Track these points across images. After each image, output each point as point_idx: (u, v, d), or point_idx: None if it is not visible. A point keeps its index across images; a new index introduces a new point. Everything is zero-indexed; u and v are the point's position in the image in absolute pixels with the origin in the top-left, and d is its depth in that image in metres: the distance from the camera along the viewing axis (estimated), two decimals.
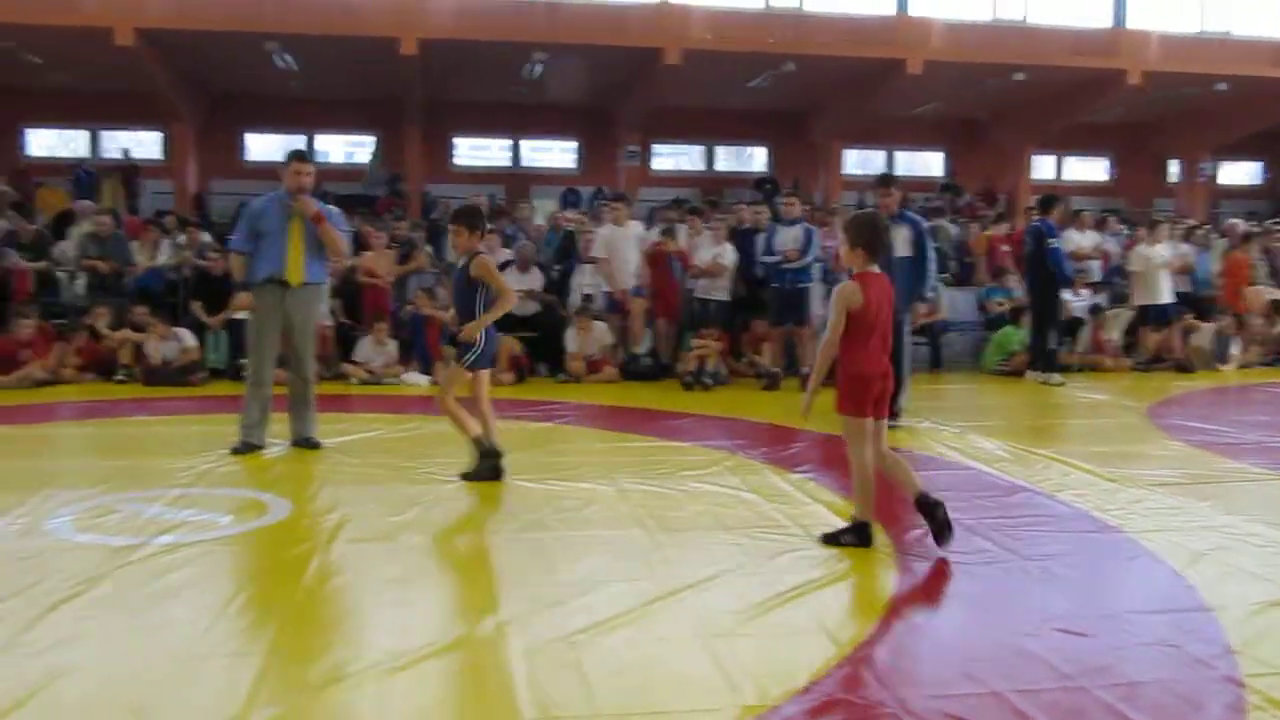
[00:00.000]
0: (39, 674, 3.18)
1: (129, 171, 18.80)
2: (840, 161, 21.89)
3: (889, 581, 4.20)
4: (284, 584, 4.08)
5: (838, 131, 21.57)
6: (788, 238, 9.46)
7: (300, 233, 6.47)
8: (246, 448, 6.48)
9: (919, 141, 23.41)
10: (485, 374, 5.84)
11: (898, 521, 5.01)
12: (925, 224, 8.47)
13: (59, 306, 11.17)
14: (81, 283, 11.44)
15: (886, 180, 8.14)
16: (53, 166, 20.43)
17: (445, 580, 4.18)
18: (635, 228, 9.85)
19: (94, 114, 21.14)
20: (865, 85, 19.40)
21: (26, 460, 6.38)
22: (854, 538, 4.66)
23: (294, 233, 6.46)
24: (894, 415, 8.02)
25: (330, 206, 6.91)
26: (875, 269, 4.66)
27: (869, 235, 4.66)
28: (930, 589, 4.18)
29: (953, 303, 11.71)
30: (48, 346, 9.77)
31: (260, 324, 6.53)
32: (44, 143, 22.11)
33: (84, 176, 19.08)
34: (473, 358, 5.71)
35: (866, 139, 22.48)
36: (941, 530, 4.56)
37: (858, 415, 4.69)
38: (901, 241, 7.79)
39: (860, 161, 23.98)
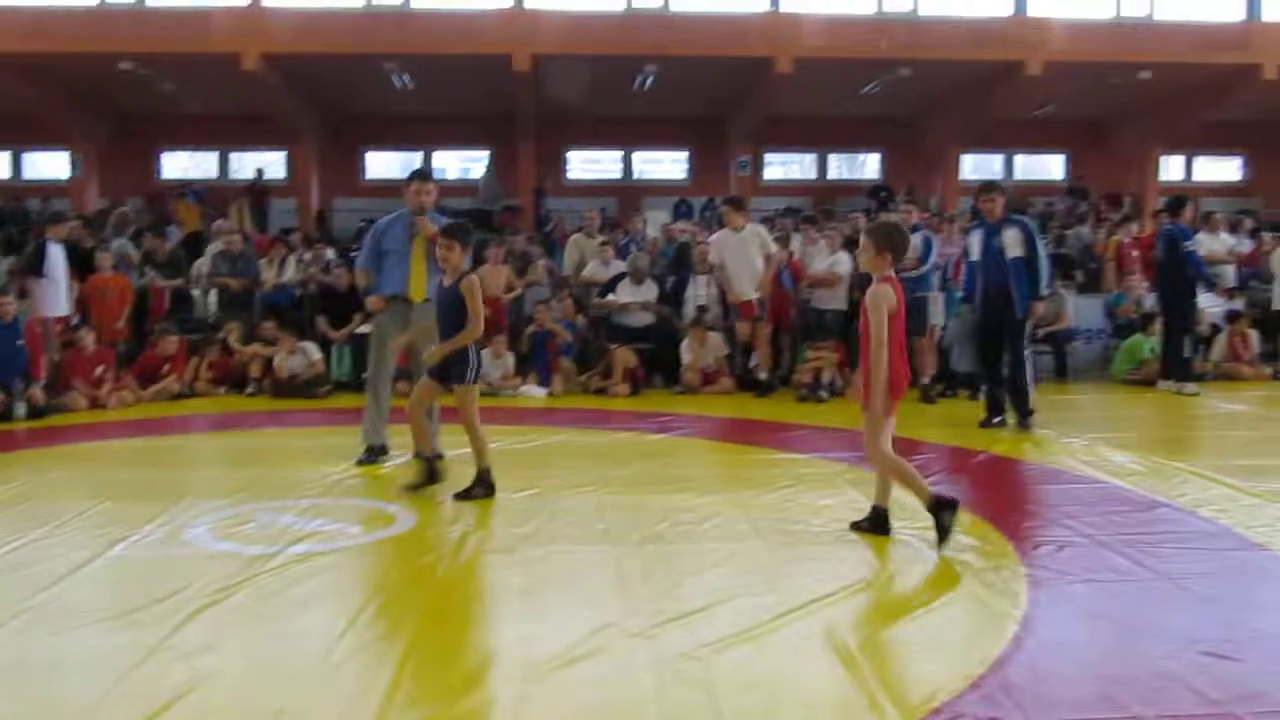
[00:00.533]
0: (183, 678, 3.30)
1: (259, 191, 19.47)
2: (957, 166, 21.45)
3: (1021, 599, 4.06)
4: (414, 593, 4.16)
5: (954, 136, 21.17)
6: None
7: (422, 251, 6.63)
8: (370, 454, 6.69)
9: (1039, 144, 22.82)
10: (475, 389, 5.77)
11: (1028, 537, 4.87)
12: (1033, 225, 8.39)
13: (193, 322, 11.63)
14: (213, 299, 11.91)
15: (990, 186, 8.26)
16: (186, 188, 21.30)
17: (569, 593, 4.19)
18: (751, 232, 9.61)
19: (223, 137, 22.01)
20: (982, 88, 19.01)
21: (166, 471, 6.64)
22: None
23: (416, 251, 6.64)
24: (1027, 416, 8.00)
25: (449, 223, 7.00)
26: (892, 274, 4.91)
27: (896, 241, 4.92)
28: (1065, 608, 4.04)
29: (1079, 309, 11.35)
30: (183, 361, 10.17)
31: (382, 338, 6.74)
32: (177, 165, 23.08)
33: (192, 196, 19.94)
34: (472, 375, 5.71)
35: (984, 143, 21.98)
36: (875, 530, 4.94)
37: (888, 414, 4.91)
38: (1013, 243, 7.87)
39: (976, 166, 23.47)
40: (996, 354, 8.13)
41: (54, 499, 5.75)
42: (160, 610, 3.91)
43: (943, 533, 4.70)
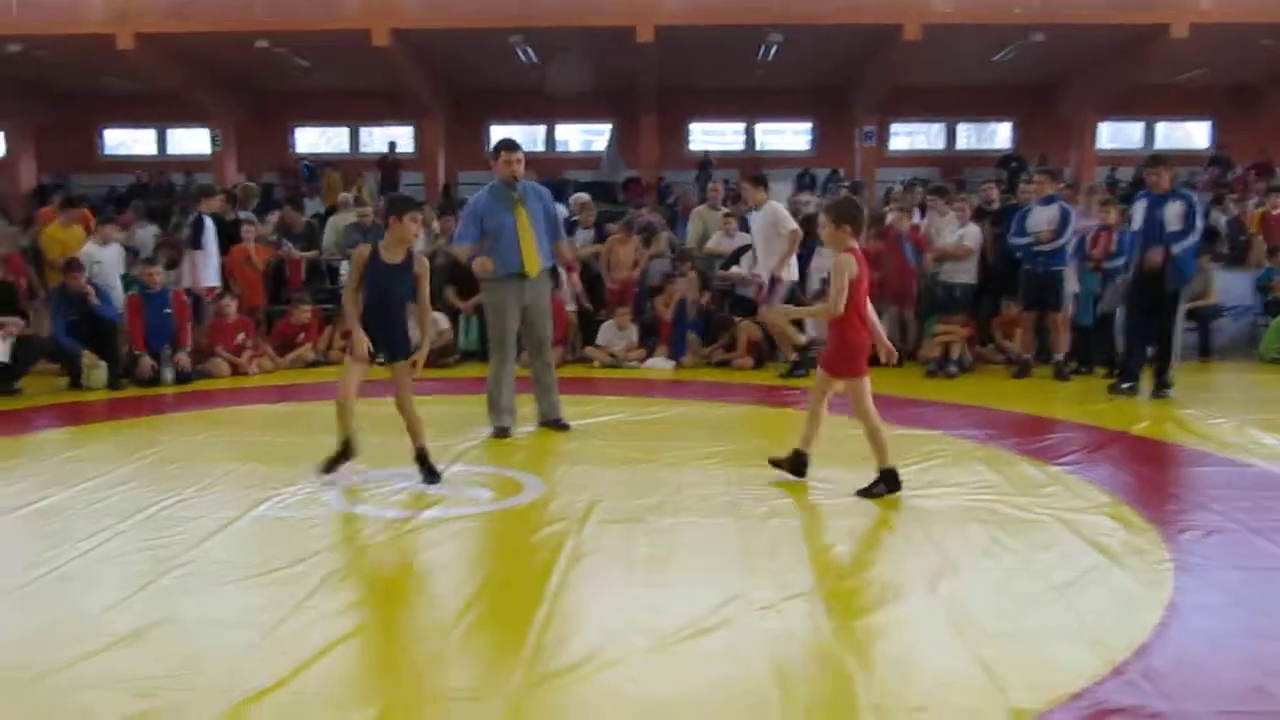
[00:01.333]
0: (323, 638, 3.40)
1: (390, 165, 19.92)
2: (1094, 135, 20.65)
3: (1165, 584, 3.91)
4: (544, 560, 4.21)
5: (1090, 103, 20.39)
6: (1041, 218, 8.98)
7: (528, 222, 6.57)
8: (500, 433, 6.72)
9: (1182, 110, 21.86)
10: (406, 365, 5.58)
11: (1174, 522, 4.68)
12: (1197, 199, 8.23)
13: (326, 292, 11.98)
14: (344, 269, 12.23)
15: (1156, 160, 8.21)
16: (318, 162, 21.93)
17: (696, 563, 4.19)
18: (770, 211, 9.34)
19: (353, 112, 22.61)
20: (1122, 53, 18.24)
21: (303, 435, 6.86)
22: (885, 486, 5.13)
23: (522, 224, 6.56)
24: (1164, 386, 7.93)
25: (546, 190, 7.02)
26: (855, 245, 5.15)
27: (854, 214, 5.16)
28: (1213, 595, 3.87)
29: (1226, 285, 10.82)
30: (318, 330, 10.49)
31: (503, 314, 6.68)
32: (309, 140, 23.80)
33: (306, 171, 20.52)
34: (410, 352, 5.55)
35: (1122, 110, 21.13)
36: (795, 471, 5.38)
37: (860, 376, 5.22)
38: (1174, 216, 7.86)
39: (1114, 134, 22.58)
40: (1145, 323, 8.14)
41: (201, 460, 6.00)
42: (301, 570, 4.05)
43: (869, 493, 5.10)
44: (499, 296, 6.66)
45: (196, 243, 10.19)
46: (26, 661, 3.20)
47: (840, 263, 5.06)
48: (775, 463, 5.49)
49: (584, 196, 12.48)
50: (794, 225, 8.92)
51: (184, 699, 2.94)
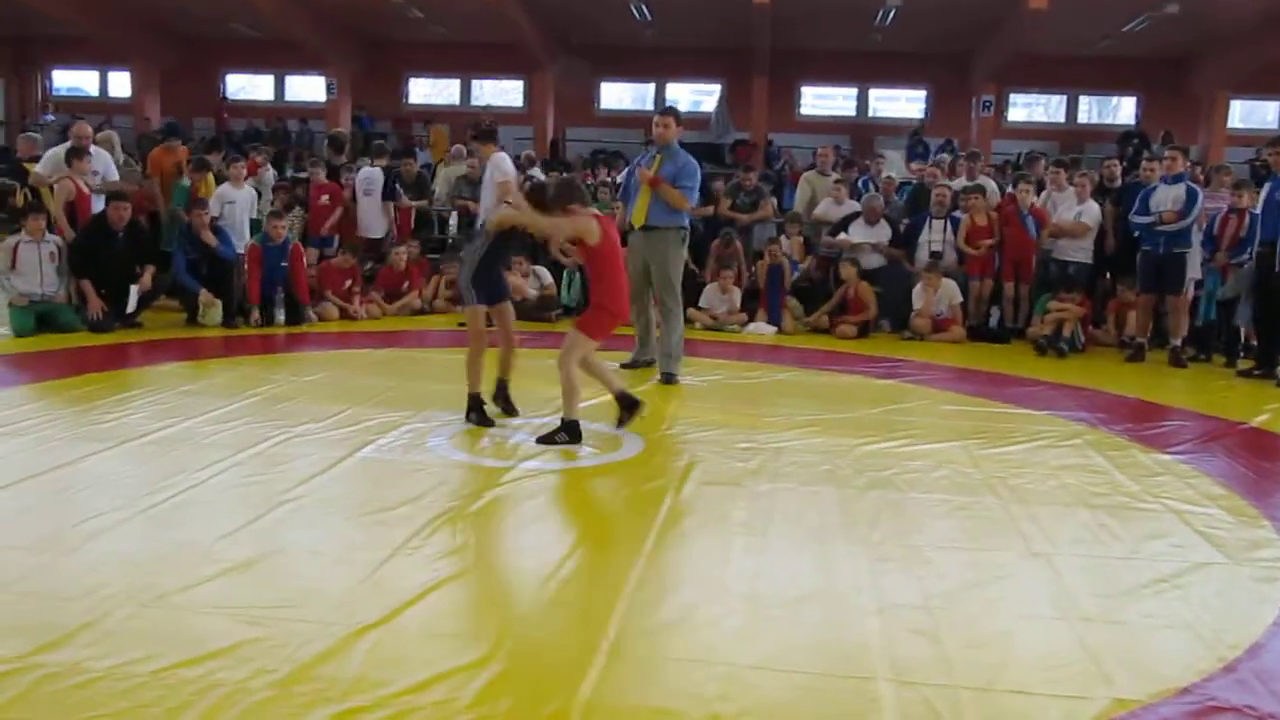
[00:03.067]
0: (424, 578, 3.48)
1: (485, 133, 19.74)
2: (1225, 113, 19.77)
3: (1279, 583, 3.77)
4: (640, 518, 4.23)
5: (1224, 80, 19.51)
6: (1166, 197, 8.63)
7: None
8: (633, 364, 7.45)
9: None
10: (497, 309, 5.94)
11: None
12: None
13: (435, 242, 12.16)
14: (454, 221, 12.41)
15: (1278, 141, 8.20)
16: (430, 113, 22.20)
17: (793, 530, 4.18)
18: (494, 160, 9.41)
19: (465, 64, 22.75)
20: (1260, 27, 17.35)
21: (409, 381, 7.00)
22: (567, 435, 5.24)
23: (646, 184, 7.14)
24: (1271, 366, 7.91)
25: (689, 158, 7.34)
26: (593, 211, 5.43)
27: (568, 194, 5.41)
28: None
29: None
30: (425, 279, 10.66)
31: (631, 264, 7.04)
32: (421, 91, 24.06)
33: (366, 122, 20.82)
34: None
35: (1257, 88, 20.15)
36: (628, 415, 5.45)
37: (593, 339, 5.42)
38: None
39: (1246, 114, 21.60)
40: (1268, 308, 8.07)
41: (311, 400, 6.16)
42: (404, 512, 4.15)
43: (549, 439, 5.23)
44: (629, 246, 7.15)
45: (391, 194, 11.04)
46: (146, 582, 3.34)
47: (581, 219, 5.32)
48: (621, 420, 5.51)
49: None
50: (507, 175, 8.66)
51: (293, 629, 3.04)
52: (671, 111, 7.34)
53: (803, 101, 22.67)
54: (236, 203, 9.93)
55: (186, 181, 10.08)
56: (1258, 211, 8.36)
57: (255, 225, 10.06)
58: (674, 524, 4.20)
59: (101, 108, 22.38)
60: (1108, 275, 9.97)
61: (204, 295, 8.98)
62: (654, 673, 2.92)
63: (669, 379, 7.10)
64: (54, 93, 24.78)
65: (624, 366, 7.35)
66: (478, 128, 7.29)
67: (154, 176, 10.58)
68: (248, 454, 4.91)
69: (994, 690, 2.86)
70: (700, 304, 10.09)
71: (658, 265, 7.14)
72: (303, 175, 12.39)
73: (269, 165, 12.56)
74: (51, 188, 9.14)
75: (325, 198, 10.99)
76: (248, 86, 24.66)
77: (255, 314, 9.11)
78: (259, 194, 10.89)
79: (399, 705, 2.64)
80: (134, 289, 8.83)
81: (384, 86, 22.77)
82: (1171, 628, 3.34)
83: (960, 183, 10.86)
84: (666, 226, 7.12)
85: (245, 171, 10.53)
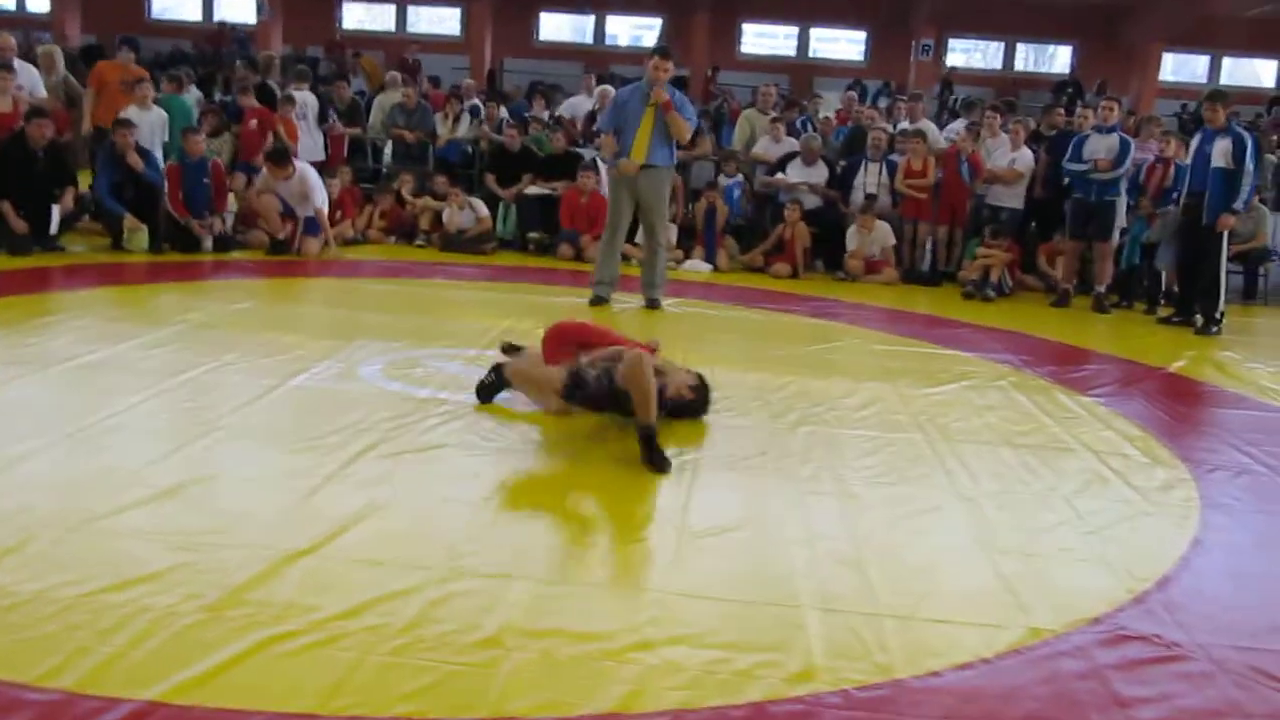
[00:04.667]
0: (359, 504, 3.49)
1: (412, 68, 19.17)
2: (1158, 66, 20.07)
3: (1191, 521, 3.93)
4: (573, 450, 4.26)
5: (1156, 33, 19.78)
6: (1100, 146, 8.77)
7: (650, 121, 7.30)
8: (598, 300, 7.54)
9: (1251, 46, 21.13)
10: None
11: (1204, 461, 4.67)
12: (1251, 137, 8.24)
13: (368, 171, 11.94)
14: (388, 150, 12.17)
15: (1216, 95, 8.40)
16: (363, 39, 21.68)
17: (723, 464, 4.23)
18: None
19: None
20: None
21: (342, 310, 6.92)
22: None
23: (645, 121, 7.32)
24: (1211, 323, 8.12)
25: (684, 96, 7.70)
26: None
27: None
28: (1239, 535, 3.88)
29: (1277, 229, 10.59)
30: (358, 208, 10.48)
31: (615, 198, 7.61)
32: (356, 16, 23.46)
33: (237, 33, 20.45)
34: None
35: (1190, 42, 20.48)
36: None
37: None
38: (1220, 153, 8.00)
39: (1178, 67, 21.96)
40: (1192, 257, 8.35)
41: (241, 328, 6.07)
42: (337, 440, 4.13)
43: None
44: (613, 180, 7.59)
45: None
46: (73, 507, 3.30)
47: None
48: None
49: (608, 88, 12.27)
50: None
51: (223, 555, 3.02)
52: (666, 53, 7.51)
53: (744, 39, 22.53)
54: (141, 126, 9.59)
55: (188, 97, 9.84)
56: (1185, 163, 8.57)
57: (168, 151, 9.75)
58: (605, 455, 4.23)
59: (17, 22, 21.48)
60: (1032, 224, 10.13)
61: (129, 220, 8.73)
62: (585, 599, 2.96)
63: (655, 304, 7.63)
64: None
65: (593, 304, 7.49)
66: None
67: (93, 88, 10.10)
68: (176, 381, 4.84)
69: (916, 619, 2.95)
70: (636, 240, 10.06)
71: (655, 202, 7.54)
72: (230, 99, 12.03)
73: (193, 87, 12.15)
74: None
75: (254, 122, 10.69)
76: (174, 5, 23.83)
77: (194, 222, 8.89)
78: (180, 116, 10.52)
79: (331, 630, 2.65)
80: (55, 210, 8.54)
81: (317, 9, 22.15)
82: (1086, 561, 3.47)
83: (903, 125, 10.92)
84: (664, 166, 7.51)
85: (150, 91, 10.06)
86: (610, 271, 7.68)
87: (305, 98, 10.96)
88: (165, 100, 10.16)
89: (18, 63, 9.33)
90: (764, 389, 5.41)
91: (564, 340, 4.92)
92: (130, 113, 9.48)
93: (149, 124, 9.65)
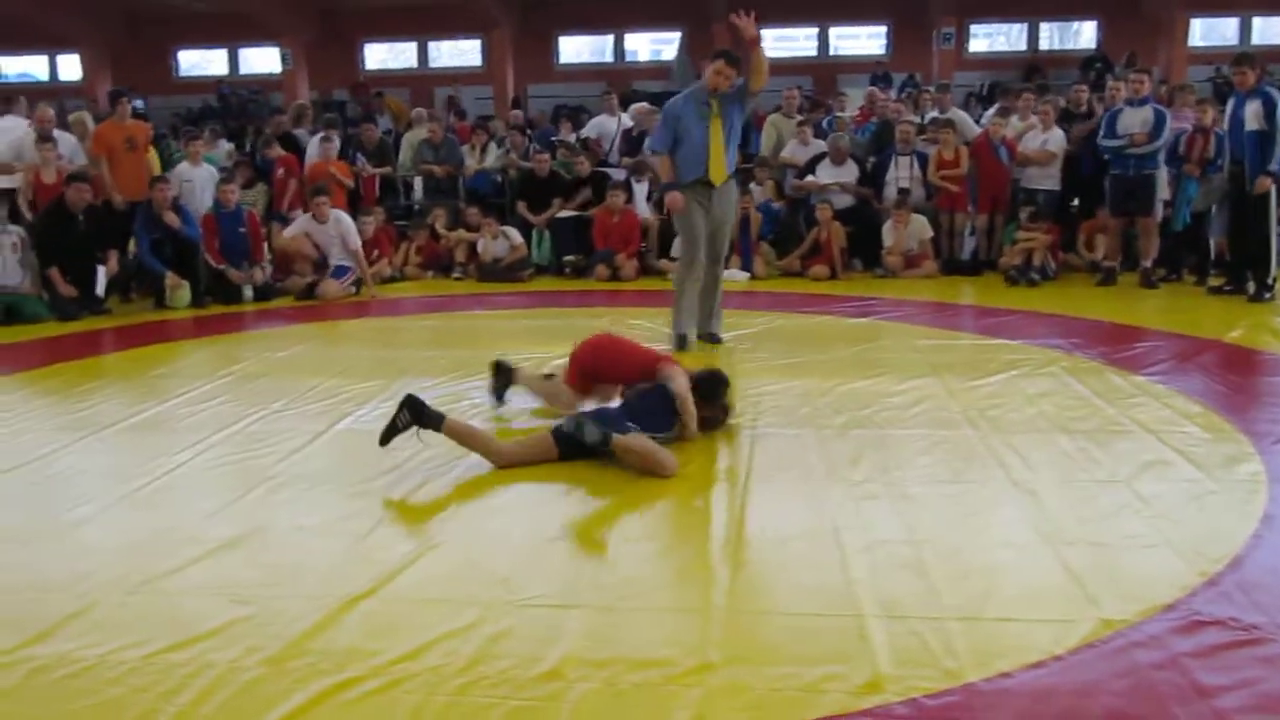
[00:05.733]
0: (411, 546, 3.50)
1: (455, 102, 19.36)
2: (1185, 32, 19.71)
3: (1259, 496, 3.82)
4: (623, 474, 4.23)
5: None
6: (1134, 120, 8.62)
7: (719, 130, 6.46)
8: (680, 341, 6.64)
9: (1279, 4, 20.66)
10: None
11: (1269, 434, 4.55)
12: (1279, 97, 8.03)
13: (401, 209, 12.03)
14: (419, 186, 12.27)
15: (1242, 59, 8.25)
16: (387, 78, 21.92)
17: (775, 474, 4.18)
18: None
19: (421, 26, 22.39)
20: None
21: (384, 350, 6.96)
22: None
23: (714, 131, 6.46)
24: (1264, 289, 8.00)
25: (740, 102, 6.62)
26: None
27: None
28: None
29: None
30: (393, 245, 10.56)
31: (692, 223, 6.60)
32: (378, 57, 23.70)
33: (226, 91, 20.60)
34: None
35: (1216, 5, 20.09)
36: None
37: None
38: (1253, 115, 7.87)
39: (1207, 31, 21.55)
40: (1240, 224, 8.20)
41: (285, 375, 6.12)
42: (386, 481, 4.14)
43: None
44: (688, 203, 6.59)
45: None
46: (132, 568, 3.32)
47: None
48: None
49: (645, 105, 12.30)
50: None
51: (282, 605, 3.03)
52: (732, 58, 6.51)
53: (763, 44, 22.48)
54: (194, 181, 9.77)
55: (217, 154, 9.94)
56: (1223, 131, 8.42)
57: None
58: (657, 477, 4.20)
59: (52, 92, 21.96)
60: (1075, 201, 9.98)
61: (170, 278, 8.86)
62: (645, 624, 2.93)
63: (718, 339, 6.82)
64: (2, 79, 24.27)
65: (680, 348, 6.53)
66: None
67: (98, 155, 9.42)
68: (225, 434, 4.88)
69: (982, 619, 2.89)
70: (672, 253, 10.05)
71: (725, 224, 6.78)
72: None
73: (223, 141, 12.34)
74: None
75: (282, 171, 10.83)
76: (200, 62, 24.22)
77: (232, 271, 9.04)
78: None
79: (394, 673, 2.65)
80: (100, 271, 8.69)
81: (340, 54, 22.41)
82: (1153, 546, 3.38)
83: (931, 115, 10.83)
84: (734, 174, 6.79)
85: (202, 149, 10.32)
86: (693, 307, 6.73)
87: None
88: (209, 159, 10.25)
89: (57, 132, 9.50)
90: (810, 394, 5.36)
91: (593, 360, 5.01)
92: (182, 169, 9.65)
93: (200, 180, 9.81)
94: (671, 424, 4.56)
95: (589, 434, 4.19)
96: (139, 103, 10.54)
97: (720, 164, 6.49)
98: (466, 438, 4.38)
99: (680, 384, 4.60)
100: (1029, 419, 4.85)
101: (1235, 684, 2.53)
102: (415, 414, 4.29)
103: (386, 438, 4.34)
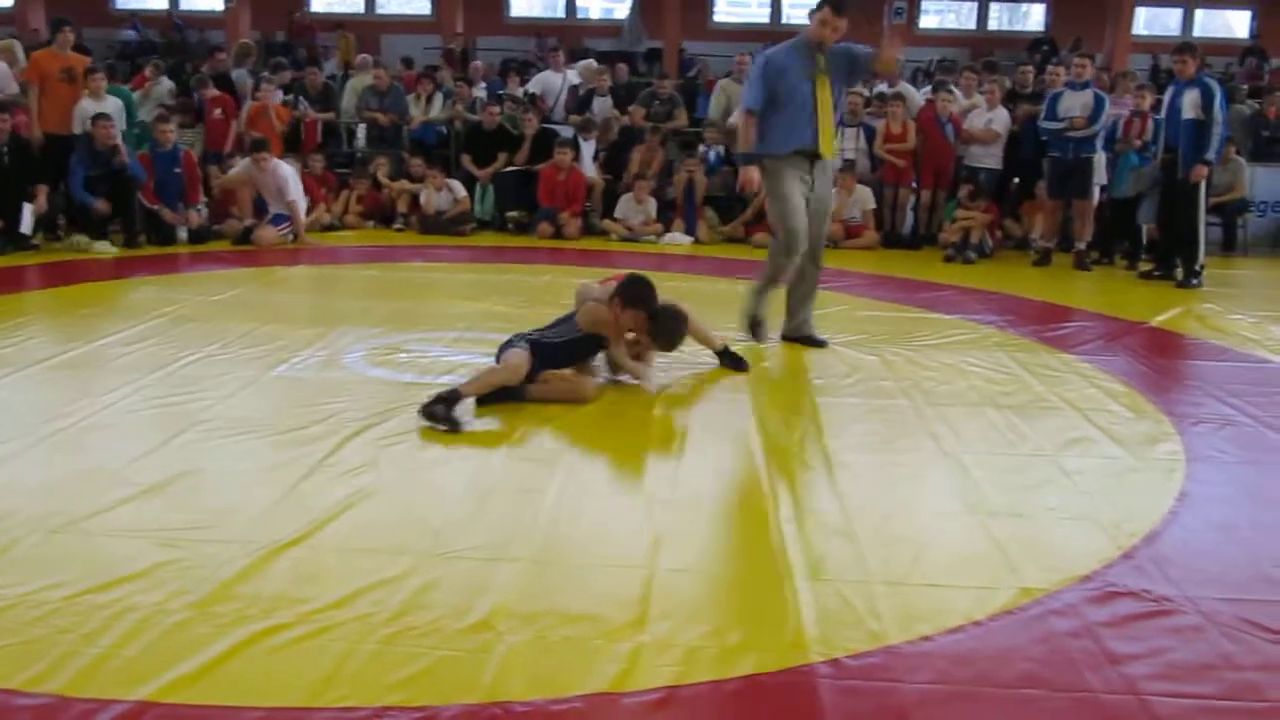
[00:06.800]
0: (344, 494, 3.47)
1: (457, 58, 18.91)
2: (1130, 20, 19.99)
3: (1177, 475, 3.93)
4: (557, 430, 4.24)
5: None
6: (1075, 103, 8.75)
7: (828, 93, 5.43)
8: (756, 329, 5.79)
9: None
10: None
11: (1187, 415, 4.69)
12: (1220, 88, 8.29)
13: (343, 156, 11.83)
14: (362, 134, 12.07)
15: (1185, 47, 8.40)
16: (331, 22, 21.44)
17: (711, 436, 4.22)
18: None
19: None
20: None
21: (323, 298, 6.89)
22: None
23: (821, 93, 5.41)
24: (1192, 275, 8.12)
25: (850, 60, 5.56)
26: None
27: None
28: (1226, 488, 3.89)
29: (1257, 180, 10.60)
30: (333, 193, 10.39)
31: (789, 195, 5.49)
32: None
33: (180, 24, 20.12)
34: None
35: None
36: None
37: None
38: (1190, 104, 8.01)
39: (1150, 20, 21.90)
40: (1170, 211, 8.35)
41: (219, 319, 6.01)
42: (321, 429, 4.10)
43: None
44: (782, 176, 5.48)
45: None
46: (55, 508, 3.27)
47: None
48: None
49: (592, 63, 12.21)
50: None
51: (210, 550, 3.00)
52: (840, 6, 5.37)
53: (716, 9, 22.37)
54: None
55: (160, 88, 9.61)
56: (1159, 118, 8.57)
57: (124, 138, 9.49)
58: (591, 434, 4.21)
59: None
60: (1015, 180, 10.12)
61: (101, 204, 8.55)
62: (576, 579, 2.95)
63: (819, 341, 5.79)
64: None
65: (753, 336, 5.77)
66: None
67: (32, 82, 9.06)
68: (156, 376, 4.79)
69: (907, 584, 2.96)
70: (616, 214, 10.03)
71: (827, 199, 5.81)
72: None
73: (164, 78, 11.99)
74: None
75: (219, 111, 10.57)
76: None
77: (166, 211, 8.83)
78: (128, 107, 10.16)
79: (322, 620, 2.64)
80: (27, 209, 8.43)
81: None
82: (1074, 519, 3.47)
83: (878, 89, 10.88)
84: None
85: (104, 81, 9.75)
86: (800, 302, 5.86)
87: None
88: (111, 92, 9.54)
89: None
90: (749, 358, 5.39)
91: None
92: (85, 105, 9.21)
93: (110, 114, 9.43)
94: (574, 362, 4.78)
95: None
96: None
97: (829, 134, 5.48)
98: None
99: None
100: (960, 392, 4.94)
101: (1145, 653, 2.62)
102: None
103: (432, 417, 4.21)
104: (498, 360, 4.63)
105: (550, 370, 4.62)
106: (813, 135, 5.42)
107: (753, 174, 5.60)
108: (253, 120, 10.38)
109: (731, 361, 5.25)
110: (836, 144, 5.51)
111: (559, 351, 4.68)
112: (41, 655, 2.45)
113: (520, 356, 4.51)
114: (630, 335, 4.91)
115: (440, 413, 4.16)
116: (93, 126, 8.72)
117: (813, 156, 5.50)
